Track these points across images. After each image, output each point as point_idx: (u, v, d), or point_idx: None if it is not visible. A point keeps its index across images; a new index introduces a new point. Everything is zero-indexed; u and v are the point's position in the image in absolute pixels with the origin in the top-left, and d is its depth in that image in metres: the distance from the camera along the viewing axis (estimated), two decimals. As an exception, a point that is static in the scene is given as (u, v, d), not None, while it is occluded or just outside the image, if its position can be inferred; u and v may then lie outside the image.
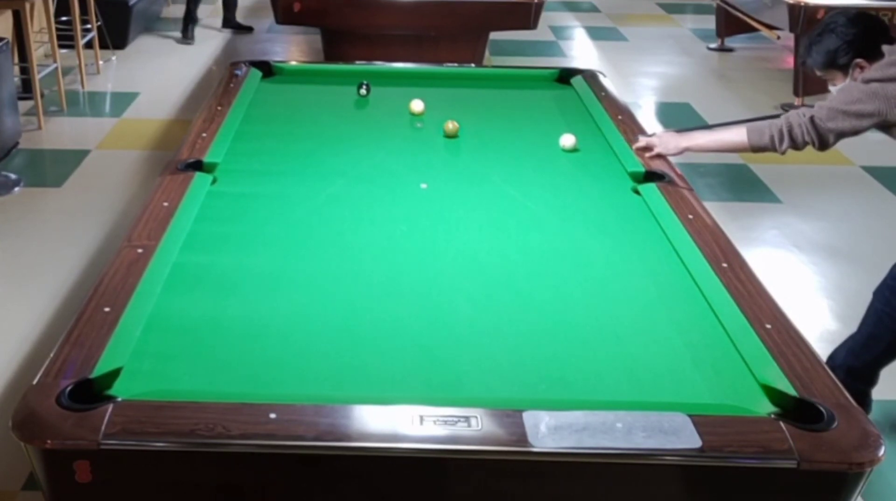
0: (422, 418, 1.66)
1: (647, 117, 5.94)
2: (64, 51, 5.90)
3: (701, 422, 1.66)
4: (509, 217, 2.67)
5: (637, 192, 2.81)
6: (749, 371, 1.90)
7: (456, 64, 4.51)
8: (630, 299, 2.22)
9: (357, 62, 4.30)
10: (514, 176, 2.96)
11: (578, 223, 2.64)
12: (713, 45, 7.72)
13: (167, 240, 2.31)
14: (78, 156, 4.94)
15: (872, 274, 4.01)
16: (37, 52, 5.63)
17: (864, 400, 2.78)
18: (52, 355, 1.80)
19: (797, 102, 6.09)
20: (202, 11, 8.33)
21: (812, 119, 2.66)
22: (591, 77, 3.91)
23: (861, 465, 1.61)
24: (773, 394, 1.81)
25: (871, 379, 2.82)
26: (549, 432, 1.62)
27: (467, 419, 1.65)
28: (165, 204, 2.51)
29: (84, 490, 1.59)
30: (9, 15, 5.42)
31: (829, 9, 5.73)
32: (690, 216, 2.57)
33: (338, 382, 1.85)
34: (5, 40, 4.77)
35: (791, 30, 5.93)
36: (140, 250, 2.24)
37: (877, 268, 4.08)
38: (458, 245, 2.48)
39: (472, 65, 4.90)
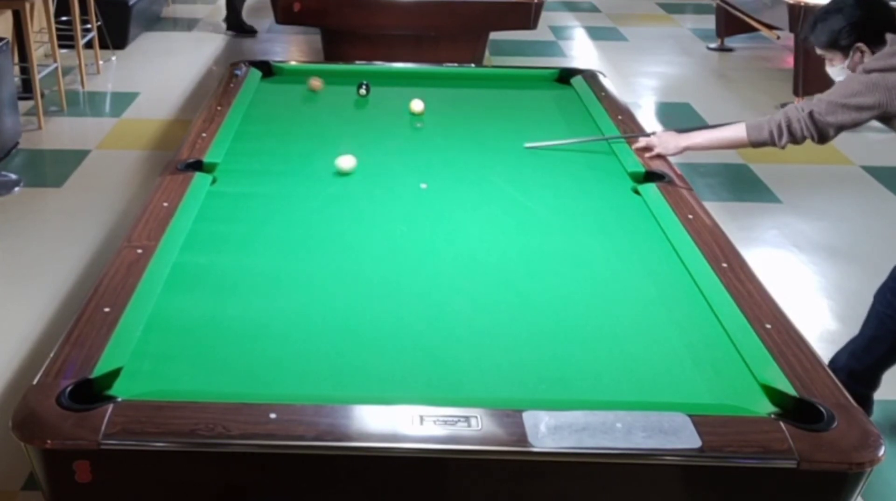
0: (422, 418, 1.66)
1: (647, 117, 5.94)
2: (64, 51, 5.90)
3: (701, 422, 1.66)
4: (509, 217, 2.67)
5: (637, 192, 2.81)
6: (749, 371, 1.90)
7: (456, 64, 4.51)
8: (630, 299, 2.22)
9: (357, 62, 4.30)
10: (514, 176, 2.96)
11: (578, 223, 2.64)
12: (713, 45, 7.72)
13: (167, 240, 2.31)
14: (78, 156, 4.95)
15: (872, 274, 4.01)
16: (37, 52, 5.63)
17: (865, 404, 2.78)
18: (52, 355, 1.80)
19: (797, 101, 6.08)
20: (202, 11, 8.34)
21: (811, 114, 2.67)
22: (591, 77, 3.91)
23: (861, 465, 1.61)
24: (773, 394, 1.81)
25: (873, 383, 2.82)
26: (549, 432, 1.62)
27: (467, 419, 1.65)
28: (165, 204, 2.51)
29: (84, 490, 1.59)
30: (9, 15, 5.42)
31: (829, 9, 5.73)
32: (690, 216, 2.57)
33: (338, 382, 1.85)
34: (5, 40, 4.77)
35: (791, 30, 5.93)
36: (140, 251, 2.24)
37: (877, 268, 4.08)
38: (458, 245, 2.48)
39: (472, 65, 4.90)
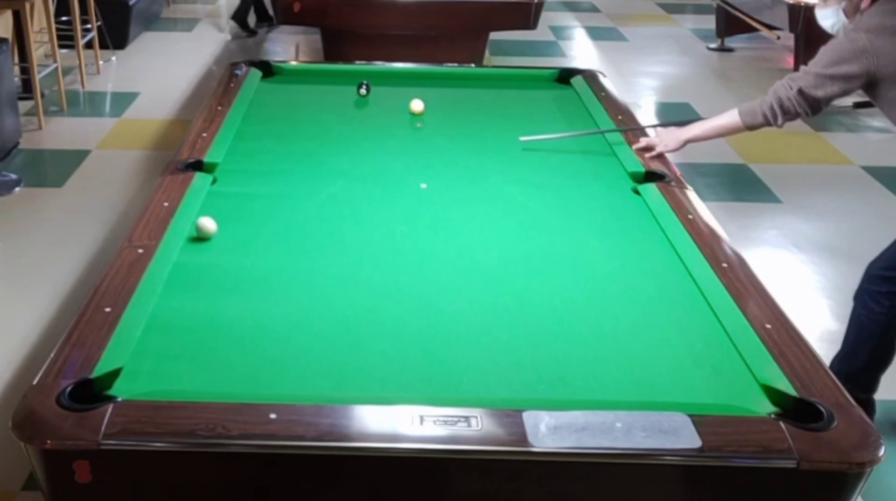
0: (422, 418, 1.66)
1: (647, 117, 5.94)
2: (64, 51, 5.90)
3: (701, 422, 1.66)
4: (509, 217, 2.67)
5: (637, 192, 2.81)
6: (749, 371, 1.90)
7: (456, 64, 4.51)
8: (630, 299, 2.22)
9: (357, 62, 4.30)
10: (514, 176, 2.96)
11: (578, 223, 2.64)
12: (713, 45, 7.72)
13: (167, 240, 2.32)
14: (78, 156, 4.95)
15: (872, 274, 4.01)
16: (37, 52, 5.62)
17: (866, 408, 2.72)
18: (52, 355, 1.80)
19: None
20: (202, 11, 8.34)
21: (800, 91, 2.64)
22: (591, 77, 3.91)
23: (861, 465, 1.61)
24: (773, 394, 1.81)
25: (869, 386, 2.79)
26: (548, 432, 1.62)
27: (467, 419, 1.65)
28: (166, 204, 2.51)
29: (84, 491, 1.59)
30: (9, 15, 5.42)
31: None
32: (690, 216, 2.57)
33: (338, 382, 1.85)
34: (5, 40, 4.77)
35: (791, 30, 5.94)
36: (140, 250, 2.24)
37: (877, 268, 4.08)
38: (458, 245, 2.48)
39: (472, 65, 4.90)
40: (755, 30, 7.19)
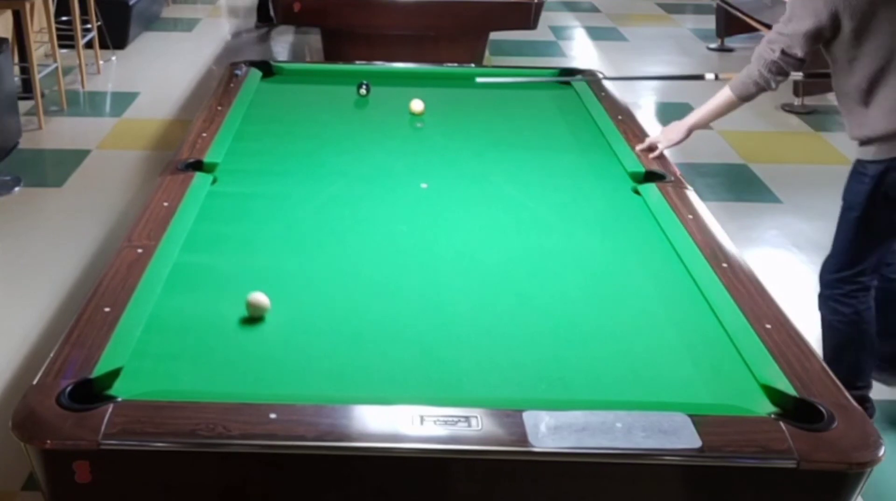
0: (422, 418, 1.66)
1: (647, 117, 5.94)
2: (64, 51, 5.90)
3: (701, 422, 1.66)
4: (509, 217, 2.67)
5: (637, 192, 2.81)
6: (749, 371, 1.90)
7: (456, 64, 4.51)
8: (630, 299, 2.22)
9: (357, 62, 4.30)
10: (514, 176, 2.96)
11: (578, 223, 2.64)
12: (713, 45, 7.72)
13: (167, 240, 2.32)
14: (78, 156, 4.94)
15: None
16: (37, 52, 5.62)
17: (863, 405, 2.70)
18: (52, 355, 1.80)
19: (797, 102, 6.09)
20: (202, 11, 8.34)
21: (783, 52, 2.66)
22: (591, 77, 3.91)
23: (861, 465, 1.61)
24: (773, 394, 1.81)
25: (860, 385, 2.76)
26: (549, 432, 1.62)
27: (467, 419, 1.65)
28: (165, 204, 2.51)
29: (84, 491, 1.59)
30: (9, 15, 5.42)
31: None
32: (690, 216, 2.57)
33: (338, 382, 1.85)
34: (5, 40, 4.77)
35: (791, 30, 5.92)
36: (140, 250, 2.24)
37: (877, 268, 4.07)
38: (459, 245, 2.48)
39: (472, 65, 4.90)
40: (755, 30, 7.18)
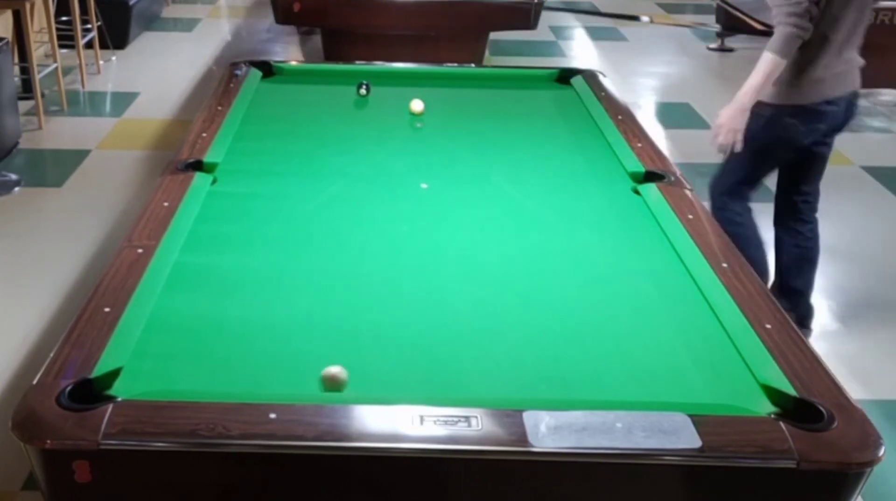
0: (422, 418, 1.66)
1: (647, 117, 5.94)
2: (64, 51, 5.90)
3: (701, 422, 1.66)
4: (509, 217, 2.67)
5: (637, 192, 2.81)
6: (749, 371, 1.90)
7: (456, 64, 4.51)
8: (630, 299, 2.22)
9: (357, 62, 4.30)
10: (514, 176, 2.96)
11: (578, 223, 2.64)
12: (713, 45, 7.72)
13: (167, 240, 2.31)
14: (78, 156, 4.95)
15: (872, 274, 4.02)
16: (37, 52, 5.63)
17: (802, 312, 3.15)
18: (52, 355, 1.80)
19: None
20: (202, 11, 8.34)
21: (790, 14, 2.80)
22: (591, 77, 3.91)
23: (861, 465, 1.61)
24: (773, 394, 1.81)
25: (796, 290, 3.17)
26: (549, 432, 1.62)
27: (467, 419, 1.65)
28: (166, 204, 2.51)
29: (84, 490, 1.59)
30: (9, 15, 5.42)
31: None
32: (690, 216, 2.57)
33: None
34: (5, 40, 4.78)
35: (791, 30, 5.93)
36: (140, 250, 2.24)
37: (876, 268, 4.10)
38: (459, 245, 2.48)
39: (472, 65, 4.90)
40: (755, 30, 7.18)
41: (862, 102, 6.24)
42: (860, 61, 3.09)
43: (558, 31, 8.09)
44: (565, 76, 3.95)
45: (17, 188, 4.51)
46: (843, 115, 3.06)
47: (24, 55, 5.34)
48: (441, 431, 1.63)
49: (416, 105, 3.45)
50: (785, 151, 3.11)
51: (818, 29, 2.86)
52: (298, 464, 1.63)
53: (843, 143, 5.52)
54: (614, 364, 1.95)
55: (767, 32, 3.08)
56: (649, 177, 2.87)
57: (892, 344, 3.45)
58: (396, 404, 1.71)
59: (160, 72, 6.50)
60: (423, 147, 3.24)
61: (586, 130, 3.38)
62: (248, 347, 1.95)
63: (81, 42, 5.98)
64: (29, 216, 4.24)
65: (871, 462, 1.62)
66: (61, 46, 5.77)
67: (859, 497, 1.67)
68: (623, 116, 3.44)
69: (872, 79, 6.24)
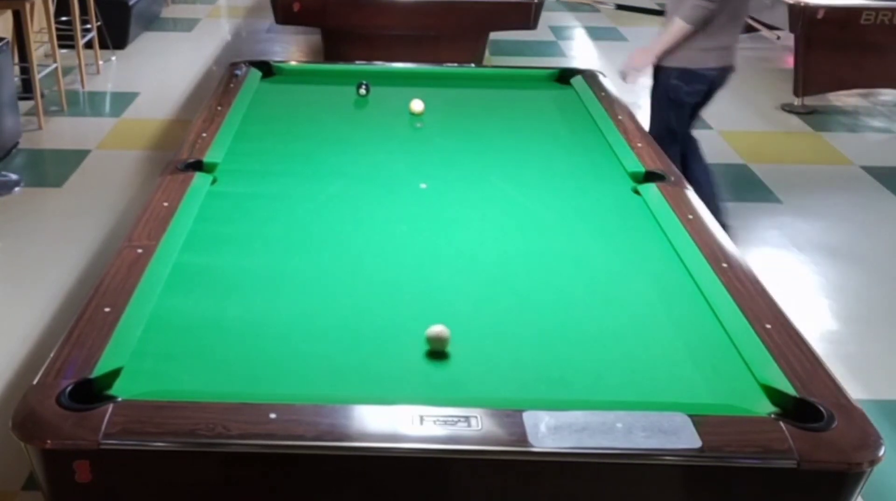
0: (422, 418, 1.66)
1: (647, 117, 5.93)
2: (64, 51, 5.90)
3: (701, 422, 1.66)
4: (509, 217, 2.67)
5: (637, 192, 2.81)
6: (749, 371, 1.90)
7: (456, 64, 4.51)
8: (630, 299, 2.22)
9: (357, 62, 4.30)
10: (513, 176, 2.96)
11: (578, 223, 2.64)
12: (713, 45, 7.70)
13: (167, 240, 2.31)
14: (78, 156, 4.95)
15: (872, 274, 4.02)
16: (37, 52, 5.63)
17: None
18: (52, 355, 1.80)
19: (797, 102, 6.09)
20: (202, 11, 8.34)
21: None
22: (591, 77, 3.91)
23: (861, 465, 1.61)
24: (773, 394, 1.81)
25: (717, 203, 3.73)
26: (549, 432, 1.62)
27: (467, 419, 1.65)
28: (165, 204, 2.51)
29: (84, 490, 1.59)
30: (9, 15, 5.43)
31: (828, 9, 5.74)
32: (690, 216, 2.57)
33: (338, 382, 1.85)
34: (5, 40, 4.78)
35: (791, 30, 5.94)
36: (140, 250, 2.24)
37: (877, 268, 4.10)
38: (458, 245, 2.48)
39: (472, 65, 4.90)
40: (755, 30, 7.18)
41: (862, 102, 6.30)
42: (738, 43, 3.98)
43: (558, 31, 8.09)
44: (565, 76, 3.95)
45: (17, 188, 4.51)
46: (718, 81, 3.95)
47: (24, 55, 5.34)
48: (441, 431, 1.63)
49: (416, 105, 3.45)
50: (689, 99, 3.96)
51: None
52: (298, 464, 1.64)
53: (843, 143, 5.55)
54: (614, 364, 1.95)
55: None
56: (649, 177, 2.87)
57: (892, 344, 3.46)
58: (396, 404, 1.71)
59: (160, 72, 6.50)
60: (423, 147, 3.24)
61: (586, 130, 3.38)
62: (248, 347, 1.95)
63: (81, 42, 5.98)
64: (29, 216, 4.24)
65: (872, 462, 1.62)
66: (61, 46, 5.77)
67: (859, 497, 1.67)
68: (623, 116, 3.44)
69: (872, 79, 6.28)
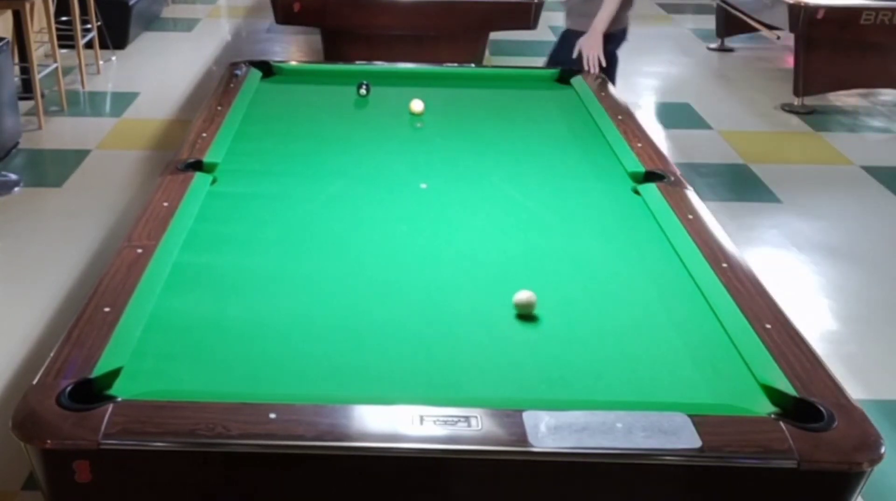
0: (422, 418, 1.66)
1: (647, 117, 5.94)
2: (64, 51, 5.90)
3: (701, 422, 1.66)
4: (509, 217, 2.67)
5: (637, 192, 2.81)
6: (749, 371, 1.90)
7: (456, 64, 4.51)
8: (630, 299, 2.22)
9: (357, 62, 4.30)
10: (513, 176, 2.96)
11: (578, 223, 2.64)
12: (713, 45, 7.72)
13: (167, 240, 2.31)
14: (78, 156, 4.95)
15: (872, 274, 4.02)
16: (37, 52, 5.63)
17: None
18: (52, 355, 1.80)
19: (797, 102, 6.09)
20: (202, 11, 8.34)
21: None
22: (591, 77, 3.91)
23: (861, 465, 1.61)
24: (773, 394, 1.81)
25: None
26: (549, 432, 1.62)
27: (467, 419, 1.65)
28: (165, 204, 2.51)
29: (84, 490, 1.59)
30: (9, 15, 5.43)
31: (828, 9, 5.74)
32: (690, 216, 2.57)
33: (338, 382, 1.85)
34: (5, 40, 4.78)
35: (791, 30, 5.94)
36: (140, 250, 2.24)
37: (877, 268, 4.10)
38: (458, 245, 2.48)
39: (472, 65, 4.90)
40: (755, 30, 7.19)
41: (862, 102, 6.30)
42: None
43: (558, 32, 8.07)
44: (565, 76, 3.95)
45: (17, 188, 4.51)
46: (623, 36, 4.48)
47: (24, 55, 5.34)
48: (441, 431, 1.63)
49: (416, 105, 3.45)
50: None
51: None
52: (298, 464, 1.64)
53: (843, 143, 5.55)
54: (614, 364, 1.95)
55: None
56: (649, 177, 2.87)
57: (892, 344, 3.46)
58: (396, 404, 1.71)
59: (160, 72, 6.50)
60: (423, 147, 3.24)
61: (586, 130, 3.38)
62: (248, 347, 1.95)
63: (81, 42, 5.99)
64: (29, 216, 4.24)
65: (872, 462, 1.62)
66: (61, 46, 5.77)
67: (860, 497, 1.67)
68: (623, 116, 3.44)
69: (872, 79, 6.28)
